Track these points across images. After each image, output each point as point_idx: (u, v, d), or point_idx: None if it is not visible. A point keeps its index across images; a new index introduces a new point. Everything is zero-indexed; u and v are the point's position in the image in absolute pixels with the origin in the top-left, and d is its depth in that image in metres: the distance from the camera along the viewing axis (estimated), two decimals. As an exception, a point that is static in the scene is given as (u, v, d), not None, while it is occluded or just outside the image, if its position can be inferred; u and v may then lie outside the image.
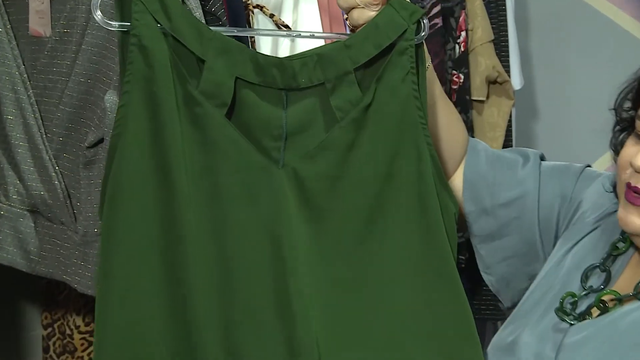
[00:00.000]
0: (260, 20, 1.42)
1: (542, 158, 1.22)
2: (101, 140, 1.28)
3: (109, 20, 1.05)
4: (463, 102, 1.73)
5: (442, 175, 1.08)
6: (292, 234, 1.04)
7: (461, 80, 1.74)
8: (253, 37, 1.36)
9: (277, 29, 1.40)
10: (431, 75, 1.14)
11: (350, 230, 1.05)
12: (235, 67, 1.04)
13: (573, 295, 1.07)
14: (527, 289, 1.16)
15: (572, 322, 1.05)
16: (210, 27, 1.05)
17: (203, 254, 1.04)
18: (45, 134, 1.34)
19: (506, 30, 1.84)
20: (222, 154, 1.04)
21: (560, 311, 1.06)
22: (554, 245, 1.17)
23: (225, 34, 1.06)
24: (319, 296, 1.04)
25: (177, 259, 1.04)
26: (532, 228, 1.18)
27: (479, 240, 1.22)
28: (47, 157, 1.34)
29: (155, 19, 1.03)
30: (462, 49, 1.74)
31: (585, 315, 1.06)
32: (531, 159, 1.20)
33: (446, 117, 1.18)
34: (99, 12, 1.04)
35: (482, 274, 1.23)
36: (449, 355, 1.03)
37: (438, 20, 1.67)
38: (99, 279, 1.06)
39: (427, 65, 1.09)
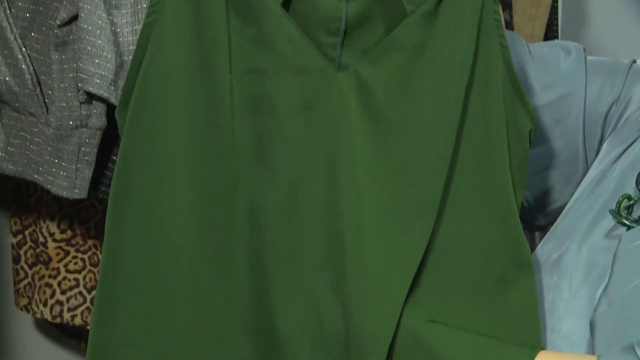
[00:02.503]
0: None
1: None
2: (75, 17, 1.22)
3: None
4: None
5: (518, 84, 1.01)
6: (353, 151, 0.98)
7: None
8: None
9: None
10: None
11: (417, 149, 0.99)
12: None
13: (629, 198, 1.05)
14: (563, 207, 1.13)
15: (631, 225, 1.03)
16: None
17: (244, 168, 1.00)
18: (9, 9, 1.28)
19: None
20: (276, 53, 0.99)
21: (617, 214, 1.04)
22: (597, 153, 1.14)
23: None
24: (376, 224, 0.99)
25: (212, 172, 1.00)
26: (577, 131, 1.14)
27: None
28: (12, 37, 1.28)
29: None
30: None
31: None
32: (574, 53, 1.16)
33: None
34: None
35: None
36: (503, 281, 1.00)
37: None
38: (113, 192, 1.03)
39: None
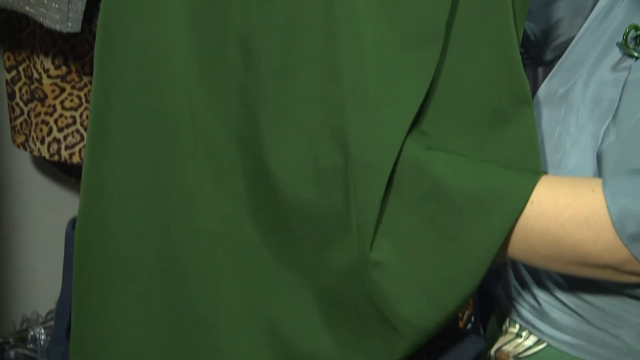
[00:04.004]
0: None
1: None
2: None
3: None
4: None
5: None
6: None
7: None
8: None
9: None
10: None
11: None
12: None
13: (637, 28, 1.02)
14: (570, 40, 1.11)
15: (638, 56, 1.00)
16: None
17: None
18: None
19: None
20: None
21: (625, 45, 1.02)
22: None
23: None
24: (376, 55, 0.96)
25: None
26: None
27: None
28: None
29: None
30: None
31: None
32: None
33: None
34: None
35: None
36: (501, 114, 0.98)
37: None
38: (102, 24, 1.01)
39: None
